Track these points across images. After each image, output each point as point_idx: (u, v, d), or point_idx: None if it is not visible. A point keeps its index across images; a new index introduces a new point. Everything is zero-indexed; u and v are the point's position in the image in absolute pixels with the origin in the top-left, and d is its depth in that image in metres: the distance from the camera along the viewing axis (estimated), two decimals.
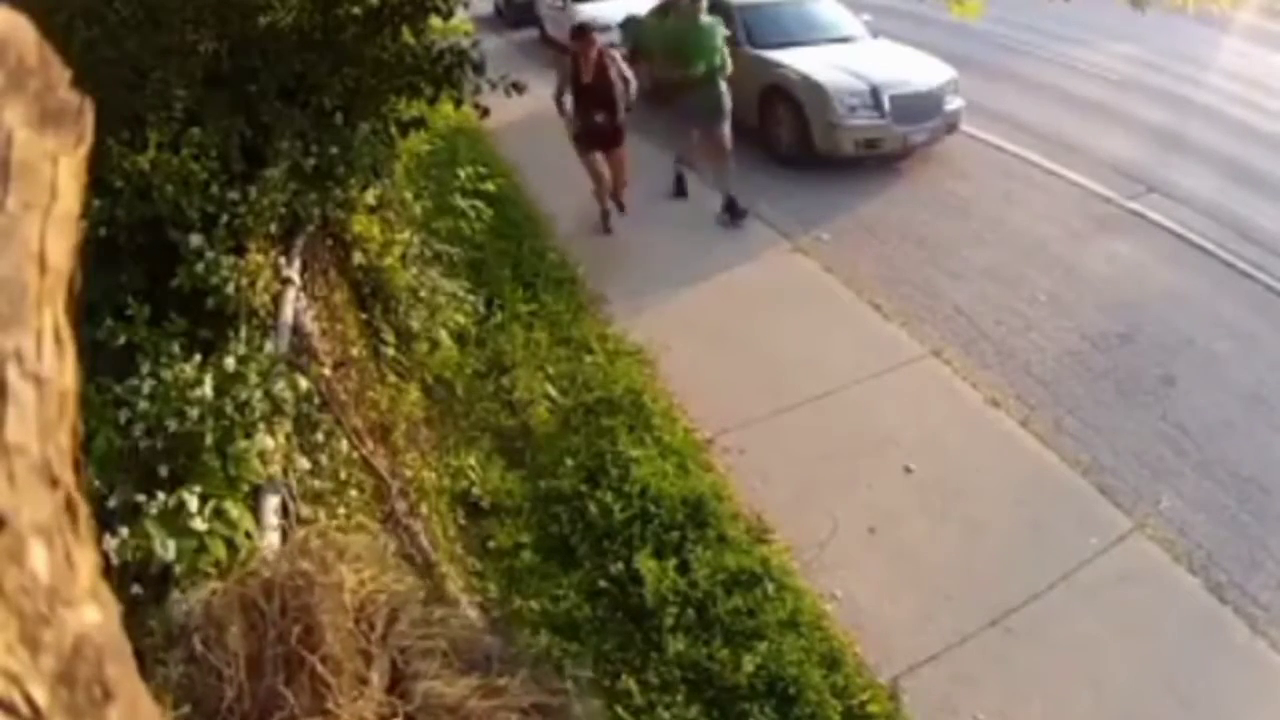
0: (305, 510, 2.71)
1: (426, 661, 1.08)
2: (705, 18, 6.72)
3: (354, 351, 4.06)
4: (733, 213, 6.73)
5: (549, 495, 4.03)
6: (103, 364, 2.65)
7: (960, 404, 4.87)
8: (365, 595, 1.07)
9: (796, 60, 7.80)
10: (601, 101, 6.07)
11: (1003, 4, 8.70)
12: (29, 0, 0.43)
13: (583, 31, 6.13)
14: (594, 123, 6.09)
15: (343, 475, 3.07)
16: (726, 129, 6.68)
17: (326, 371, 3.47)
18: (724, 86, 6.67)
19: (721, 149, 6.72)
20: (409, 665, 1.05)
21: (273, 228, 3.67)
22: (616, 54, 6.20)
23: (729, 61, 6.75)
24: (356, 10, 4.23)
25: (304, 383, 2.92)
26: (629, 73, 6.18)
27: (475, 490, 4.02)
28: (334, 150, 4.03)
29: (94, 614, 0.37)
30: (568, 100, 6.12)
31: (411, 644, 1.08)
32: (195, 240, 3.22)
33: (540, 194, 7.22)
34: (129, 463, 2.42)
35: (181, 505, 2.27)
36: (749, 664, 3.20)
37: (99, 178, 3.04)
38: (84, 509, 0.38)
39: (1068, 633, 3.48)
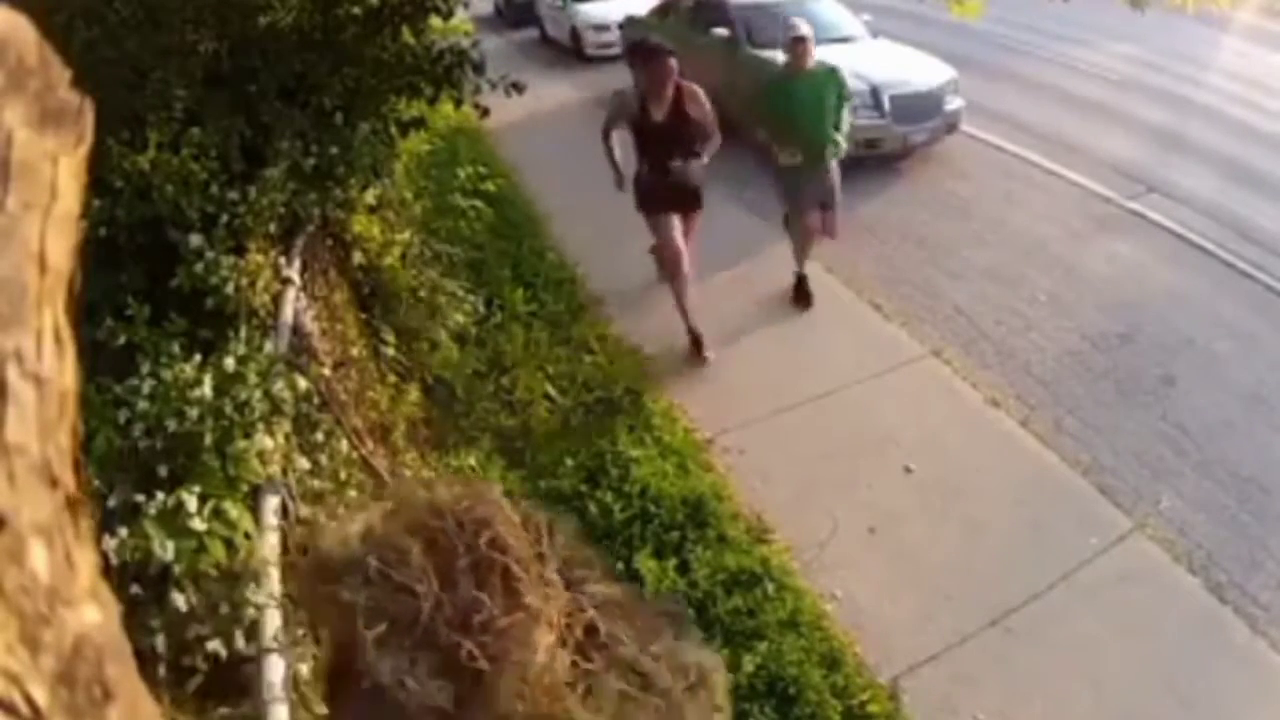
0: (305, 510, 2.71)
1: (585, 569, 1.15)
2: (815, 64, 5.18)
3: (354, 351, 4.06)
4: (798, 293, 5.72)
5: (549, 495, 4.02)
6: (103, 364, 2.65)
7: (960, 404, 4.87)
8: (522, 511, 1.13)
9: None
10: (679, 149, 4.64)
11: (1003, 4, 8.68)
12: (29, 0, 0.43)
13: (652, 53, 4.57)
14: (668, 177, 4.67)
15: (342, 475, 3.06)
16: (816, 215, 5.39)
17: (326, 371, 3.47)
18: (835, 165, 5.31)
19: (810, 233, 5.49)
20: (572, 571, 1.12)
21: (273, 228, 3.67)
22: (698, 89, 4.67)
23: (846, 121, 5.23)
24: (356, 10, 4.22)
25: (304, 383, 2.92)
26: (710, 112, 4.71)
27: None
28: (334, 150, 4.03)
29: (94, 614, 0.37)
30: (617, 140, 4.82)
31: (570, 553, 1.15)
32: (195, 240, 3.21)
33: (540, 194, 7.22)
34: (129, 463, 2.42)
35: (180, 505, 2.27)
36: (749, 664, 3.20)
37: (99, 178, 3.04)
38: (84, 509, 0.38)
39: (1068, 633, 3.48)
